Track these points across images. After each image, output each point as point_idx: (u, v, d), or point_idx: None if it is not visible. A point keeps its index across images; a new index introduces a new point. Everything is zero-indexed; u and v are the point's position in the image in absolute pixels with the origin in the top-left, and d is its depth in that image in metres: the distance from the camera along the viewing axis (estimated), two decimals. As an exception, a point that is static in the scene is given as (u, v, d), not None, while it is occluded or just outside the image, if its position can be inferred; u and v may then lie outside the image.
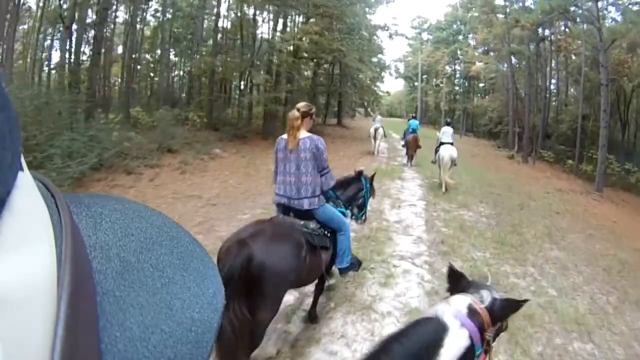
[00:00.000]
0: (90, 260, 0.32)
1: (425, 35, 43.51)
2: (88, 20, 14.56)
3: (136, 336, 0.30)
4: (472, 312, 1.49)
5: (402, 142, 15.40)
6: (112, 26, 16.70)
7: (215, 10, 19.03)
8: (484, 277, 1.90)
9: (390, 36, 24.83)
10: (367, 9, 24.64)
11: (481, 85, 36.63)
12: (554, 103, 25.70)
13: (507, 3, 24.73)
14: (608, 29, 18.26)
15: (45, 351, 0.23)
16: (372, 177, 4.20)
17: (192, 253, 0.40)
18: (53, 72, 15.99)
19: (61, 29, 14.81)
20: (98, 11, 13.99)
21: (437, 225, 6.84)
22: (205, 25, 20.09)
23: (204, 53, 19.06)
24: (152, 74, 20.72)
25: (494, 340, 1.54)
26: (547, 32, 22.84)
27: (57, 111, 9.26)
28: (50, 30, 15.80)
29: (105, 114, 12.82)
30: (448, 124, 10.56)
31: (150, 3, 18.35)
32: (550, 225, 8.15)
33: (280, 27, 19.13)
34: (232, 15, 19.25)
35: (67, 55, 14.53)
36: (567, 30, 22.20)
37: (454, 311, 1.47)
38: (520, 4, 23.47)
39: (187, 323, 0.33)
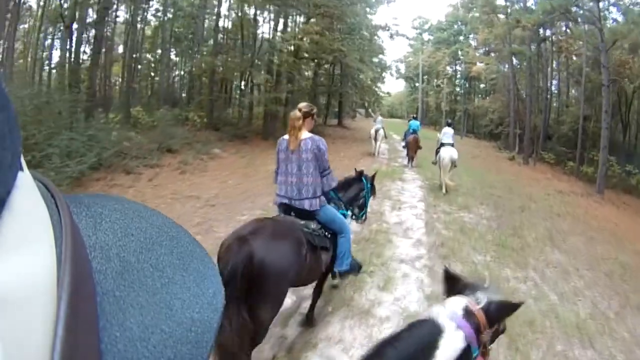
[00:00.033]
0: (90, 260, 0.32)
1: (426, 36, 43.45)
2: (89, 20, 14.55)
3: (136, 336, 0.30)
4: (468, 314, 1.47)
5: (403, 143, 15.36)
6: (112, 26, 16.69)
7: (216, 10, 19.01)
8: (482, 280, 1.85)
9: (391, 36, 24.84)
10: (367, 9, 24.61)
11: (482, 86, 36.56)
12: (554, 104, 25.62)
13: (508, 3, 24.68)
14: (610, 29, 18.20)
15: (45, 351, 0.23)
16: (373, 176, 4.21)
17: (192, 253, 0.40)
18: (54, 71, 15.97)
19: (62, 28, 14.79)
20: (98, 10, 13.97)
21: (437, 227, 6.80)
22: (206, 25, 20.06)
23: (204, 53, 19.03)
24: (152, 74, 20.70)
25: (491, 343, 1.53)
26: (548, 32, 22.78)
27: (57, 110, 9.24)
28: (51, 29, 15.78)
29: (105, 114, 12.81)
30: (449, 125, 10.50)
31: (151, 2, 18.34)
32: (551, 227, 8.10)
33: (281, 27, 19.13)
34: (233, 15, 19.24)
35: (67, 55, 14.51)
36: (568, 30, 22.14)
37: (449, 313, 1.46)
38: (521, 4, 23.42)
39: (187, 323, 0.33)
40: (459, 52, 37.39)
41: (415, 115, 18.44)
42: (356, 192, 3.90)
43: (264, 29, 19.90)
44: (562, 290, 5.04)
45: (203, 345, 0.34)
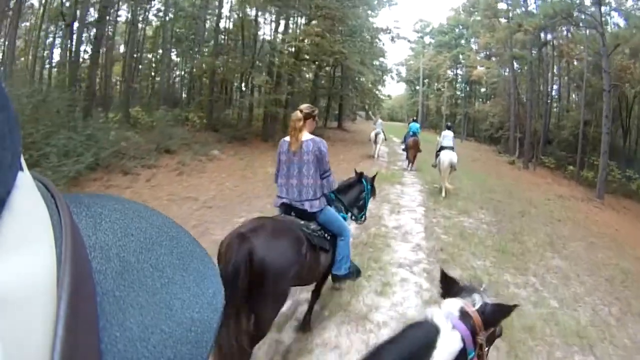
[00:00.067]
0: (90, 261, 0.32)
1: (427, 39, 43.55)
2: (90, 19, 14.53)
3: (136, 336, 0.30)
4: (463, 315, 1.48)
5: (403, 146, 15.34)
6: (113, 25, 16.68)
7: (217, 11, 18.99)
8: (479, 283, 1.86)
9: (392, 39, 24.78)
10: (369, 12, 24.63)
11: (483, 90, 36.58)
12: (555, 109, 25.62)
13: (509, 7, 24.69)
14: (611, 34, 18.20)
15: (45, 351, 0.23)
16: (373, 178, 4.21)
17: (192, 253, 0.40)
18: (54, 70, 15.96)
19: (62, 26, 14.78)
20: (99, 9, 13.94)
21: (436, 232, 6.74)
22: (207, 26, 20.05)
23: (205, 54, 19.02)
24: (153, 74, 20.69)
25: (487, 346, 1.53)
26: (549, 37, 22.79)
27: (55, 109, 9.18)
28: (52, 27, 15.78)
29: (105, 113, 12.76)
30: (449, 128, 10.49)
31: (152, 2, 18.34)
32: (551, 233, 8.04)
33: (282, 28, 19.13)
34: (235, 16, 19.23)
35: (67, 54, 14.50)
36: (569, 35, 22.14)
37: (445, 313, 1.47)
38: (523, 9, 23.42)
39: (186, 323, 0.33)
40: (460, 56, 37.44)
41: (415, 118, 18.45)
42: (357, 194, 3.90)
43: (265, 31, 19.96)
44: (562, 296, 4.98)
45: (203, 345, 0.34)
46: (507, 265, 5.64)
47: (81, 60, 14.38)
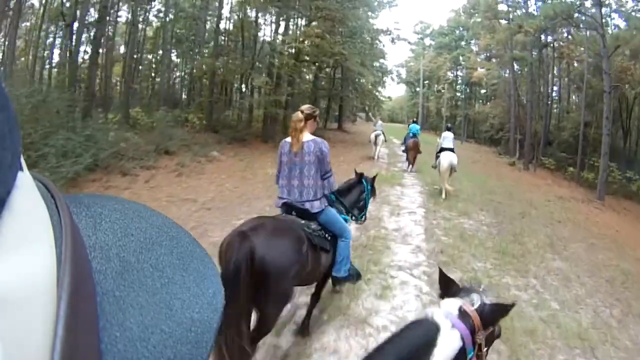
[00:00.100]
0: (90, 261, 0.32)
1: (427, 41, 43.53)
2: (91, 19, 14.52)
3: (136, 336, 0.30)
4: (462, 315, 1.49)
5: (403, 148, 15.32)
6: (114, 25, 16.67)
7: (217, 12, 18.98)
8: (478, 284, 1.85)
9: (393, 40, 24.80)
10: (369, 13, 24.62)
11: (483, 91, 36.57)
12: (555, 110, 25.61)
13: (510, 9, 24.68)
14: (612, 35, 18.20)
15: (45, 351, 0.23)
16: (374, 178, 4.21)
17: (192, 253, 0.40)
18: (55, 70, 15.94)
19: (63, 27, 14.77)
20: (99, 10, 13.93)
21: (436, 233, 6.69)
22: (207, 27, 20.05)
23: (205, 55, 19.01)
24: (153, 75, 20.68)
25: (486, 346, 1.53)
26: (549, 38, 22.78)
27: (54, 110, 9.16)
28: (52, 28, 15.77)
29: (105, 114, 12.74)
30: (449, 129, 10.46)
31: (153, 3, 18.33)
32: (552, 234, 8.01)
33: (282, 29, 19.11)
34: (235, 17, 19.22)
35: (67, 54, 14.48)
36: (569, 37, 22.14)
37: (444, 312, 1.48)
38: (524, 10, 23.42)
39: (186, 323, 0.33)
40: (460, 58, 37.45)
41: (415, 119, 18.41)
42: (357, 195, 3.90)
43: (266, 32, 19.96)
44: (563, 298, 4.94)
45: (203, 345, 0.34)
46: (508, 267, 5.60)
47: (81, 60, 14.36)
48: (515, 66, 25.59)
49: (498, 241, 6.72)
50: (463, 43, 38.34)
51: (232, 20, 19.50)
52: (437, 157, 9.94)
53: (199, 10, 19.01)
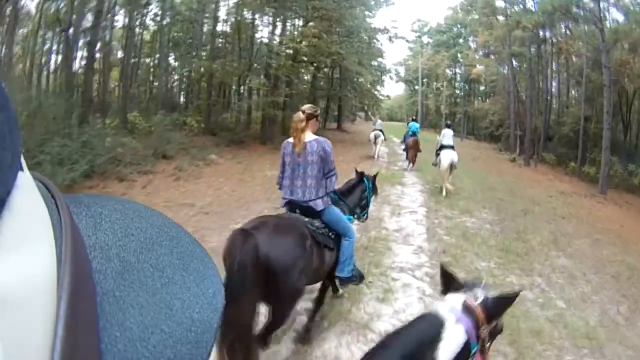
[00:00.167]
0: (90, 260, 0.33)
1: (425, 39, 43.38)
2: (88, 24, 14.44)
3: (136, 336, 0.30)
4: (466, 309, 1.50)
5: (403, 146, 15.27)
6: (110, 30, 16.59)
7: (214, 14, 18.92)
8: (480, 280, 1.82)
9: (390, 39, 24.73)
10: (366, 12, 24.54)
11: (482, 88, 36.44)
12: (555, 105, 25.50)
13: (507, 5, 24.59)
14: (611, 29, 18.12)
15: (45, 351, 0.23)
16: (375, 176, 4.24)
17: (192, 253, 0.41)
18: (52, 76, 15.87)
19: (63, 33, 14.70)
20: (95, 14, 13.87)
21: (438, 233, 6.61)
22: (205, 30, 19.98)
23: (203, 57, 18.93)
24: (151, 78, 20.61)
25: (489, 340, 1.56)
26: (547, 34, 22.71)
27: (51, 116, 9.11)
28: (50, 34, 15.69)
29: (102, 119, 12.67)
30: (448, 127, 10.44)
31: (149, 7, 18.26)
32: (555, 230, 7.92)
33: (279, 30, 19.04)
34: (232, 19, 19.15)
35: (64, 60, 14.40)
36: (568, 32, 22.06)
37: (449, 307, 1.50)
38: (521, 6, 23.34)
39: (186, 323, 0.34)
40: (459, 55, 37.32)
41: (415, 118, 18.36)
42: (359, 194, 3.93)
43: (263, 33, 19.88)
44: (569, 297, 4.88)
45: (203, 345, 0.34)
46: (512, 265, 5.52)
47: (78, 66, 14.30)
48: (514, 62, 25.50)
49: (501, 239, 6.64)
50: (461, 40, 38.23)
51: (229, 23, 19.43)
52: (437, 154, 9.91)
53: (196, 13, 18.94)
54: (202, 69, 17.94)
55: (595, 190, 15.55)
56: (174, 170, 9.94)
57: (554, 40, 22.90)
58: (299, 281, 2.66)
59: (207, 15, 19.38)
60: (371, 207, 4.30)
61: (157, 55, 20.04)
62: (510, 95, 25.19)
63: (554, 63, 24.32)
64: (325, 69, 23.59)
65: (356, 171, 4.09)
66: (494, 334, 1.60)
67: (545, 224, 8.29)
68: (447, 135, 9.92)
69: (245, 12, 18.69)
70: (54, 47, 15.52)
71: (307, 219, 3.06)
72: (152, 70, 20.42)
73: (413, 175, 12.30)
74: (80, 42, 14.38)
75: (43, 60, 15.82)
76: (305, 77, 22.70)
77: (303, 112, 3.13)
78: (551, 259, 6.11)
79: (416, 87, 42.89)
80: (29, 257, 0.24)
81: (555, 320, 4.12)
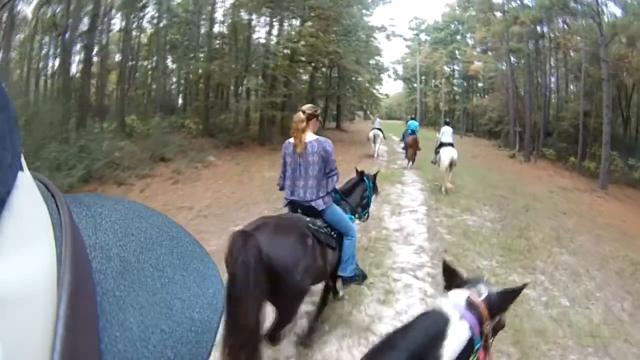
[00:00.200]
0: (90, 260, 0.33)
1: (423, 36, 43.22)
2: (84, 28, 14.40)
3: (136, 336, 0.30)
4: (470, 306, 1.50)
5: (402, 145, 15.24)
6: (107, 33, 16.54)
7: (210, 15, 18.88)
8: (480, 276, 1.87)
9: (388, 37, 24.72)
10: (364, 11, 24.49)
11: (480, 84, 36.33)
12: (554, 100, 25.44)
13: (505, 1, 24.53)
14: (609, 23, 18.08)
15: (45, 351, 0.23)
16: (375, 175, 4.26)
17: (192, 253, 0.41)
18: (49, 81, 15.83)
19: (57, 36, 14.65)
20: (91, 18, 13.83)
21: (439, 232, 6.55)
22: (202, 31, 19.93)
23: (201, 59, 18.88)
24: (150, 81, 20.56)
25: (492, 336, 1.56)
26: (545, 29, 22.66)
27: (48, 121, 9.07)
28: (47, 38, 15.65)
29: (100, 123, 12.62)
30: (447, 124, 10.45)
31: (146, 10, 18.21)
32: (557, 227, 7.87)
33: (276, 31, 19.01)
34: (229, 20, 19.11)
35: (61, 64, 14.35)
36: (565, 26, 22.01)
37: (453, 304, 1.49)
38: (519, 2, 23.28)
39: (187, 323, 0.34)
40: (457, 52, 37.22)
41: (413, 116, 18.36)
42: (360, 193, 3.93)
43: (260, 34, 19.83)
44: (573, 294, 4.83)
45: (203, 345, 0.34)
46: (515, 264, 5.47)
47: (76, 70, 14.25)
48: (512, 58, 25.44)
49: (503, 237, 6.59)
50: (459, 37, 38.11)
51: (225, 24, 19.38)
52: (437, 152, 9.86)
53: (192, 15, 18.90)
54: (199, 71, 17.88)
55: (595, 185, 15.50)
56: (172, 173, 9.90)
57: (552, 35, 22.87)
58: (302, 281, 2.67)
59: (203, 16, 19.34)
60: (371, 207, 4.27)
61: (155, 58, 19.98)
62: (509, 92, 25.14)
63: (552, 58, 24.28)
64: (323, 69, 23.54)
65: (356, 170, 4.08)
66: (496, 329, 1.60)
67: (547, 221, 8.25)
68: (446, 133, 9.88)
69: (242, 13, 18.64)
70: (51, 52, 15.51)
71: (308, 219, 3.06)
72: (150, 73, 20.36)
73: (413, 174, 12.25)
74: (78, 46, 14.33)
75: (40, 65, 15.80)
76: (303, 77, 22.65)
77: (303, 112, 3.13)
78: (554, 256, 6.06)
79: (415, 85, 42.75)
80: (29, 257, 0.24)
81: (559, 319, 4.08)
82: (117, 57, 18.53)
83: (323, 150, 3.09)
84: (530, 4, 22.08)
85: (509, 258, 5.63)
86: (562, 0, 18.14)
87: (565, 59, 23.40)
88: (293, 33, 18.54)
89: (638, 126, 20.83)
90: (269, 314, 2.65)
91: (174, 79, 21.65)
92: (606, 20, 18.33)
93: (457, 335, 1.40)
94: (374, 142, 15.29)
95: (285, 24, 19.84)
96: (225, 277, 2.21)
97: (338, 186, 3.45)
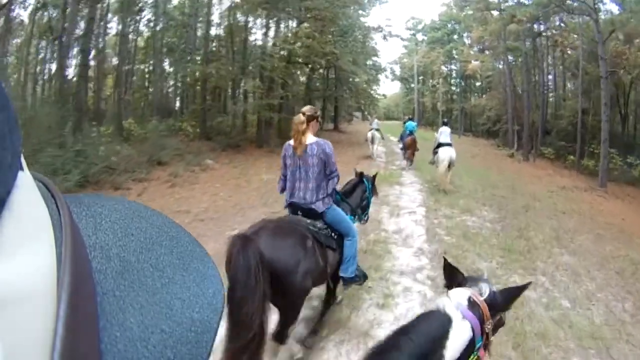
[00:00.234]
0: (90, 260, 0.33)
1: (420, 36, 43.30)
2: (81, 32, 14.37)
3: (136, 336, 0.30)
4: (472, 305, 1.50)
5: (400, 145, 15.21)
6: (104, 37, 16.51)
7: (206, 18, 18.85)
8: (479, 273, 1.90)
9: (385, 37, 24.66)
10: (360, 11, 24.49)
11: (478, 84, 36.38)
12: (551, 99, 25.44)
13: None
14: (606, 20, 18.09)
15: (45, 351, 0.23)
16: (374, 177, 4.27)
17: (192, 253, 0.41)
18: (47, 85, 15.81)
19: (53, 41, 14.62)
20: (87, 21, 13.80)
21: (439, 233, 6.49)
22: (199, 34, 19.91)
23: (198, 62, 18.85)
24: (147, 85, 20.53)
25: (492, 334, 1.55)
26: (542, 27, 22.67)
27: (45, 125, 9.03)
28: (44, 43, 15.63)
29: (97, 127, 12.57)
30: (445, 124, 10.44)
31: (142, 13, 18.19)
32: (557, 227, 7.82)
33: (272, 32, 19.00)
34: (226, 22, 19.09)
35: (57, 69, 14.33)
36: (562, 24, 22.02)
37: (455, 304, 1.49)
38: (515, 0, 23.28)
39: (186, 323, 0.34)
40: (454, 51, 37.27)
41: (411, 116, 18.33)
42: (360, 195, 3.93)
43: (257, 36, 19.83)
44: (574, 295, 4.78)
45: (203, 345, 0.34)
46: (515, 265, 5.42)
47: (73, 74, 14.22)
48: (510, 57, 25.44)
49: (503, 238, 6.54)
50: (456, 36, 38.18)
51: (222, 26, 19.36)
52: (435, 152, 9.83)
53: (189, 18, 18.88)
54: (196, 74, 17.86)
55: (595, 183, 15.49)
56: (169, 177, 9.85)
57: (549, 33, 22.88)
58: (304, 282, 2.68)
59: (200, 19, 19.33)
60: (370, 208, 4.25)
61: (152, 61, 19.97)
62: (507, 90, 25.12)
63: (549, 56, 24.31)
64: (320, 70, 23.54)
65: (355, 172, 4.08)
66: (497, 327, 1.60)
67: (547, 220, 8.20)
68: (444, 133, 9.87)
69: (238, 15, 18.63)
70: (48, 56, 15.49)
71: (308, 221, 3.06)
72: (147, 76, 20.35)
73: (411, 175, 12.20)
74: (75, 50, 14.31)
75: (38, 69, 15.79)
76: (301, 79, 22.63)
77: (303, 113, 3.12)
78: (554, 257, 6.01)
79: (412, 85, 42.82)
80: (29, 257, 0.24)
81: (560, 321, 4.03)
82: (114, 61, 18.54)
83: (323, 152, 3.08)
84: (526, 2, 22.09)
85: (509, 259, 5.58)
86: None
87: (563, 56, 23.43)
88: (289, 34, 18.52)
89: (636, 123, 20.86)
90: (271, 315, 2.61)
91: (171, 82, 21.66)
92: (603, 17, 18.33)
93: (459, 336, 1.39)
94: (372, 142, 15.27)
95: (282, 26, 19.87)
96: (225, 281, 2.17)
97: (338, 187, 3.45)
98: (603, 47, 16.42)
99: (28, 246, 0.24)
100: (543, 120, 23.00)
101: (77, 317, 0.25)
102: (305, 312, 3.48)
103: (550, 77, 25.20)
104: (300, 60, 19.06)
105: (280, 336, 2.76)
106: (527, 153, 20.75)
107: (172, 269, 0.37)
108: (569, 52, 22.57)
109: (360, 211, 3.90)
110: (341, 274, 3.34)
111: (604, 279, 5.53)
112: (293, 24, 19.71)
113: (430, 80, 41.57)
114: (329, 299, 3.63)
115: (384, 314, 3.81)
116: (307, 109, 3.19)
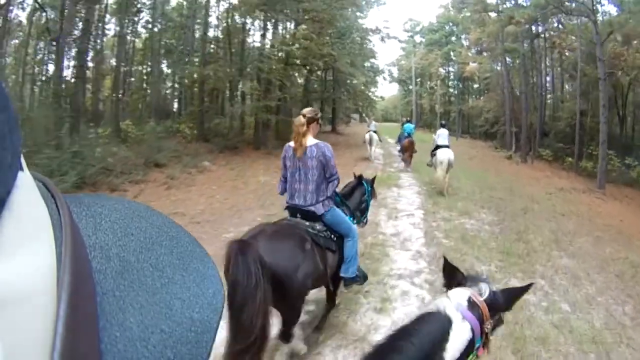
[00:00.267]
0: (90, 260, 0.33)
1: (417, 38, 43.38)
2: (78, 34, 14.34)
3: (136, 336, 0.30)
4: (472, 305, 1.49)
5: (398, 147, 15.20)
6: (102, 38, 16.49)
7: (205, 19, 18.85)
8: (478, 272, 1.82)
9: (382, 39, 24.71)
10: (358, 13, 24.51)
11: (476, 86, 36.46)
12: (549, 100, 25.46)
13: (499, 1, 24.56)
14: (605, 21, 18.12)
15: (45, 351, 0.23)
16: (373, 179, 4.26)
17: (192, 253, 0.41)
18: (44, 86, 15.78)
19: (51, 42, 14.58)
20: (84, 23, 13.77)
21: (437, 236, 6.44)
22: (197, 36, 19.89)
23: (195, 63, 18.83)
24: (145, 86, 20.49)
25: (491, 334, 1.55)
26: (540, 28, 22.70)
27: (42, 126, 8.99)
28: (42, 44, 15.60)
29: (95, 128, 12.53)
30: (443, 126, 10.43)
31: (140, 14, 18.17)
32: (556, 229, 7.78)
33: (270, 34, 18.99)
34: (223, 23, 19.08)
35: (54, 70, 14.29)
36: (560, 26, 22.04)
37: (455, 304, 1.47)
38: (513, 1, 23.31)
39: (186, 323, 0.34)
40: (452, 53, 37.33)
41: (409, 119, 18.36)
42: (359, 197, 3.93)
43: (255, 37, 19.84)
44: (574, 299, 4.73)
45: (203, 345, 0.34)
46: (514, 268, 5.37)
47: (70, 75, 14.18)
48: (507, 58, 25.48)
49: (501, 241, 6.49)
50: (453, 38, 38.25)
51: (220, 28, 19.36)
52: (433, 155, 9.81)
53: (187, 19, 18.87)
54: (194, 75, 17.84)
55: (593, 185, 15.48)
56: (166, 179, 9.81)
57: (547, 34, 22.91)
58: (304, 285, 2.70)
59: (198, 21, 19.34)
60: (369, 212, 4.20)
61: (149, 63, 19.95)
62: (505, 92, 25.15)
63: (547, 58, 24.34)
64: (318, 72, 23.56)
65: (354, 175, 4.08)
66: (496, 326, 1.59)
67: (546, 223, 8.17)
68: (442, 135, 9.87)
69: (236, 17, 18.61)
70: (46, 57, 15.46)
71: (307, 223, 3.05)
72: (144, 77, 20.33)
73: (409, 177, 12.16)
74: (73, 52, 14.28)
75: (36, 70, 15.76)
76: (299, 81, 22.65)
77: (304, 115, 3.10)
78: (553, 260, 5.97)
79: (410, 87, 42.88)
80: (29, 257, 0.24)
81: (560, 325, 3.99)
82: (112, 62, 18.51)
83: (322, 155, 3.07)
84: (524, 4, 22.12)
85: (508, 262, 5.53)
86: None
87: (561, 58, 23.45)
88: (287, 36, 18.53)
89: (634, 125, 20.89)
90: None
91: (169, 84, 21.64)
92: (601, 18, 18.35)
93: (459, 338, 1.39)
94: (370, 145, 15.27)
95: (280, 27, 19.86)
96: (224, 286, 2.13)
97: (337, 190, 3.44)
98: (601, 49, 16.43)
99: (28, 246, 0.25)
100: (541, 121, 23.01)
101: (77, 317, 0.25)
102: (302, 317, 3.43)
103: (548, 78, 25.23)
104: (298, 62, 19.07)
105: (286, 335, 2.81)
106: (525, 155, 20.75)
107: (172, 269, 0.36)
108: (567, 53, 22.60)
109: (359, 214, 3.88)
110: (342, 275, 3.33)
111: (603, 282, 5.48)
112: (291, 25, 19.74)
113: (428, 82, 41.64)
114: (334, 299, 3.66)
115: (381, 319, 3.76)
116: (307, 110, 3.18)
